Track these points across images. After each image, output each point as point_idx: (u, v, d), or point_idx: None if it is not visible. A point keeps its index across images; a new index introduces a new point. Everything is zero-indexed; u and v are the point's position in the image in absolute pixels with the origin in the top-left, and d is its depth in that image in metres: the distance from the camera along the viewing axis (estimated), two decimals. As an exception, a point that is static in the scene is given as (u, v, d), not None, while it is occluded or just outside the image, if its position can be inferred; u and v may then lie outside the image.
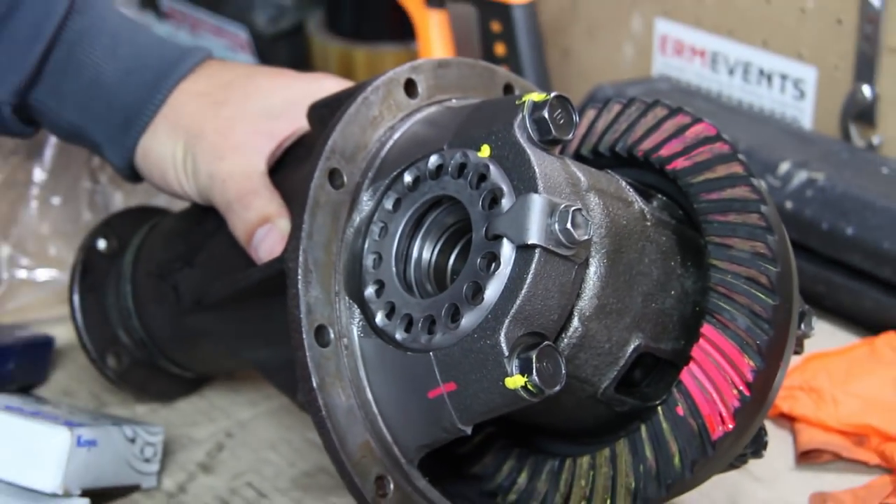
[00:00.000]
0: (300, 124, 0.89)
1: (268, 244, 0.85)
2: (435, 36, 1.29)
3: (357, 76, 1.41)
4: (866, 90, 1.20)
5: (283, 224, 0.85)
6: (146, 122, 0.96)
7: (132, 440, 0.95)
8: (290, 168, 0.89)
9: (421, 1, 1.28)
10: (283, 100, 0.93)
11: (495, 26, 1.22)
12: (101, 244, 1.05)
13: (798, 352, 0.78)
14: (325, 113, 0.84)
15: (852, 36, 1.20)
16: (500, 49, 1.24)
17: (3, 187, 1.15)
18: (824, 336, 1.05)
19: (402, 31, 1.35)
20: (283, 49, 1.51)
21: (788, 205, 1.09)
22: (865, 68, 1.20)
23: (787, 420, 0.98)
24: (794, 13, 1.25)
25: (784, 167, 1.11)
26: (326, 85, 0.92)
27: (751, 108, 1.29)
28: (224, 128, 0.92)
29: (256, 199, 0.87)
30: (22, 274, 1.15)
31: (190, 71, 0.97)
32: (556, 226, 0.69)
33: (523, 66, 1.23)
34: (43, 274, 1.15)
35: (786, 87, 1.28)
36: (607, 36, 1.40)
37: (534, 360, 0.70)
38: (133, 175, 0.99)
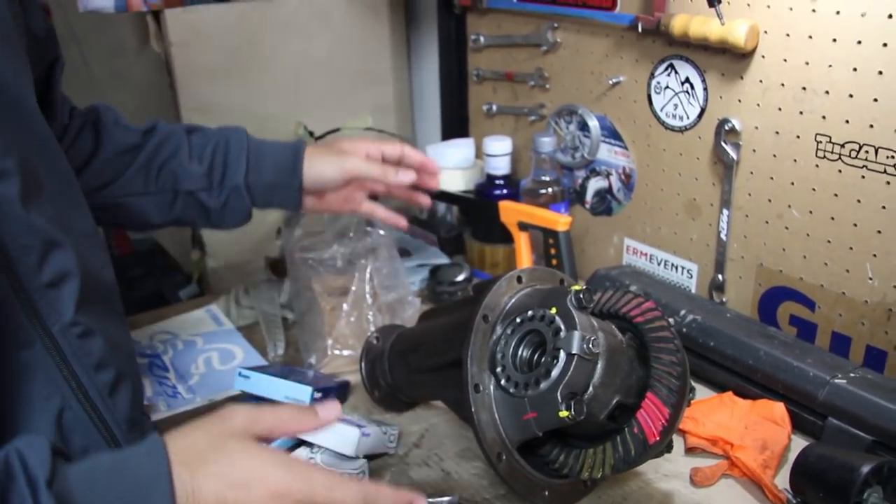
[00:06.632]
0: None
1: None
2: (523, 244, 1.30)
3: (486, 260, 1.42)
4: (719, 277, 1.21)
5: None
6: None
7: (384, 432, 0.98)
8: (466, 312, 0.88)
9: (516, 227, 1.29)
10: None
11: (551, 240, 1.23)
12: (374, 340, 1.07)
13: (688, 404, 0.81)
14: (481, 289, 0.86)
15: (713, 252, 1.21)
16: (552, 251, 1.23)
17: (331, 312, 1.17)
18: (700, 392, 1.04)
19: (507, 238, 1.32)
20: (451, 245, 1.50)
21: (684, 330, 1.09)
22: (719, 267, 1.21)
23: (682, 432, 0.99)
24: (687, 241, 1.26)
25: (682, 312, 1.12)
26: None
27: (668, 281, 1.30)
28: None
29: None
30: (337, 352, 1.17)
31: None
32: (584, 346, 0.74)
33: (563, 259, 1.23)
34: (346, 352, 1.17)
35: (684, 272, 1.28)
36: (602, 245, 1.41)
37: (572, 405, 0.73)
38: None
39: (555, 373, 0.75)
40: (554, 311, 0.78)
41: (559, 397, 0.74)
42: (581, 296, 0.78)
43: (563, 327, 0.77)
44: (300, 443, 0.94)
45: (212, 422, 0.63)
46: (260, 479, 0.60)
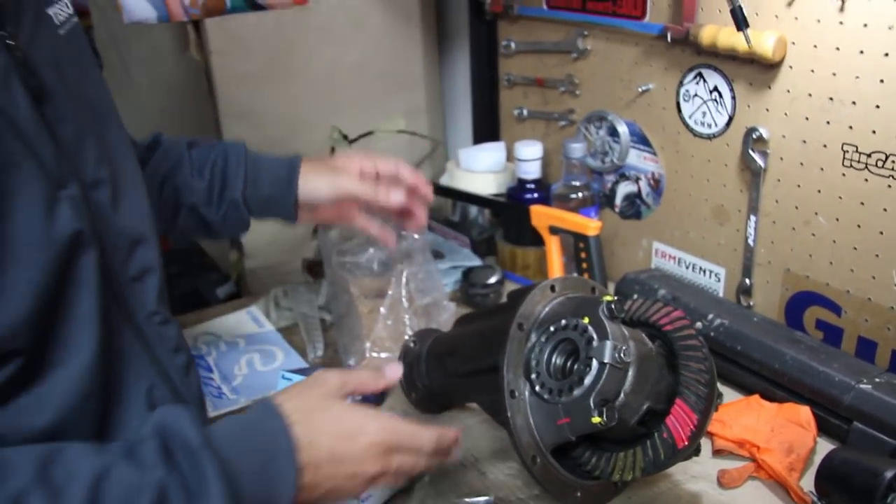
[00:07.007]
0: None
1: None
2: (553, 247, 1.32)
3: (517, 262, 1.44)
4: (747, 281, 1.23)
5: None
6: None
7: (423, 430, 1.02)
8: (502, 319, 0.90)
9: (547, 231, 1.31)
10: None
11: (581, 245, 1.25)
12: (411, 343, 1.09)
13: (716, 409, 0.82)
14: (516, 297, 0.88)
15: (741, 256, 1.23)
16: (583, 255, 1.25)
17: (368, 315, 1.20)
18: (727, 395, 1.08)
19: (538, 241, 1.35)
20: (483, 247, 1.52)
21: (712, 334, 1.11)
22: (747, 271, 1.22)
23: (709, 435, 1.00)
24: (715, 245, 1.28)
25: (710, 316, 1.14)
26: None
27: (696, 285, 1.31)
28: None
29: None
30: (375, 354, 1.20)
31: None
32: (616, 355, 0.76)
33: (593, 263, 1.24)
34: (384, 354, 1.20)
35: (712, 276, 1.30)
36: (631, 248, 1.42)
37: (605, 411, 0.75)
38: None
39: (588, 380, 0.77)
40: (586, 320, 0.80)
41: (592, 404, 0.76)
42: (612, 306, 0.80)
43: (595, 337, 0.79)
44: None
45: (311, 386, 0.74)
46: (362, 431, 0.71)
